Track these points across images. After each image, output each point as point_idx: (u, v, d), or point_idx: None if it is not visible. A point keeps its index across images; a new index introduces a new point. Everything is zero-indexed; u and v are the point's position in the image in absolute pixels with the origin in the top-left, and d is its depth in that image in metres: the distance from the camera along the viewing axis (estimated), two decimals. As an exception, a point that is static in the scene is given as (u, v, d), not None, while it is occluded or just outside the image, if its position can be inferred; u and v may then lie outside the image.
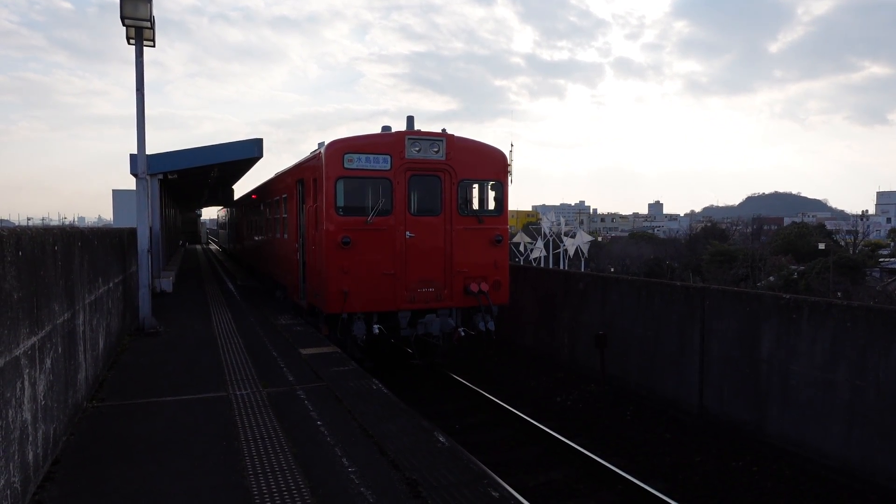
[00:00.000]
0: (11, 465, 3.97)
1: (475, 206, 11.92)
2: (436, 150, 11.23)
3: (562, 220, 58.29)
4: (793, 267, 51.55)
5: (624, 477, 7.51)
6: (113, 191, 18.26)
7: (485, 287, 11.46)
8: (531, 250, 55.51)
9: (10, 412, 3.97)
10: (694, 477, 7.89)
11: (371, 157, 10.86)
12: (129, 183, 17.55)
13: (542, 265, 51.87)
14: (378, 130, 11.35)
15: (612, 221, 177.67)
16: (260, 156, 15.70)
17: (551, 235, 55.12)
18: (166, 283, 16.46)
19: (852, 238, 75.16)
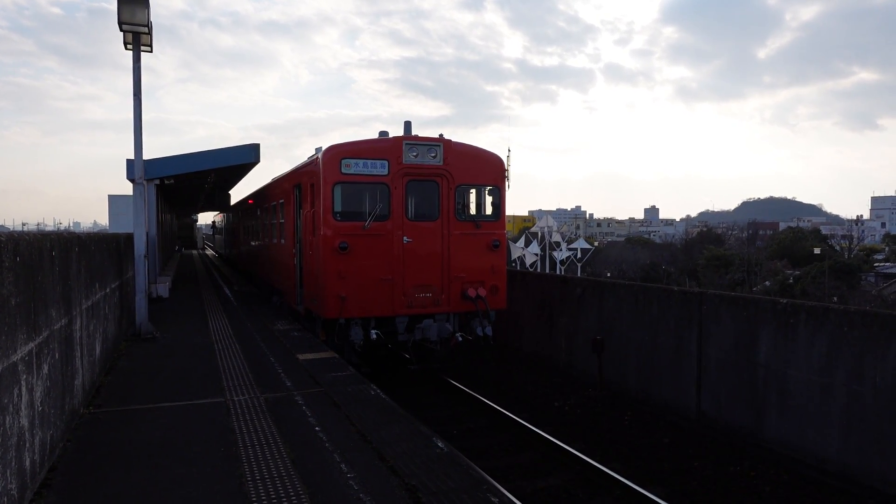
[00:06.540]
0: (8, 471, 3.95)
1: (473, 211, 11.91)
2: (433, 155, 11.24)
3: (554, 222, 58.31)
4: (788, 271, 51.72)
5: (622, 482, 7.50)
6: (109, 196, 18.22)
7: (482, 292, 11.45)
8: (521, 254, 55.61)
9: (7, 418, 3.95)
10: (692, 482, 7.89)
11: (368, 162, 10.87)
12: (124, 188, 17.54)
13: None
14: (371, 135, 11.37)
15: (609, 226, 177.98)
16: (257, 161, 15.68)
17: (548, 239, 55.19)
18: (163, 288, 16.41)
19: (847, 243, 75.54)
